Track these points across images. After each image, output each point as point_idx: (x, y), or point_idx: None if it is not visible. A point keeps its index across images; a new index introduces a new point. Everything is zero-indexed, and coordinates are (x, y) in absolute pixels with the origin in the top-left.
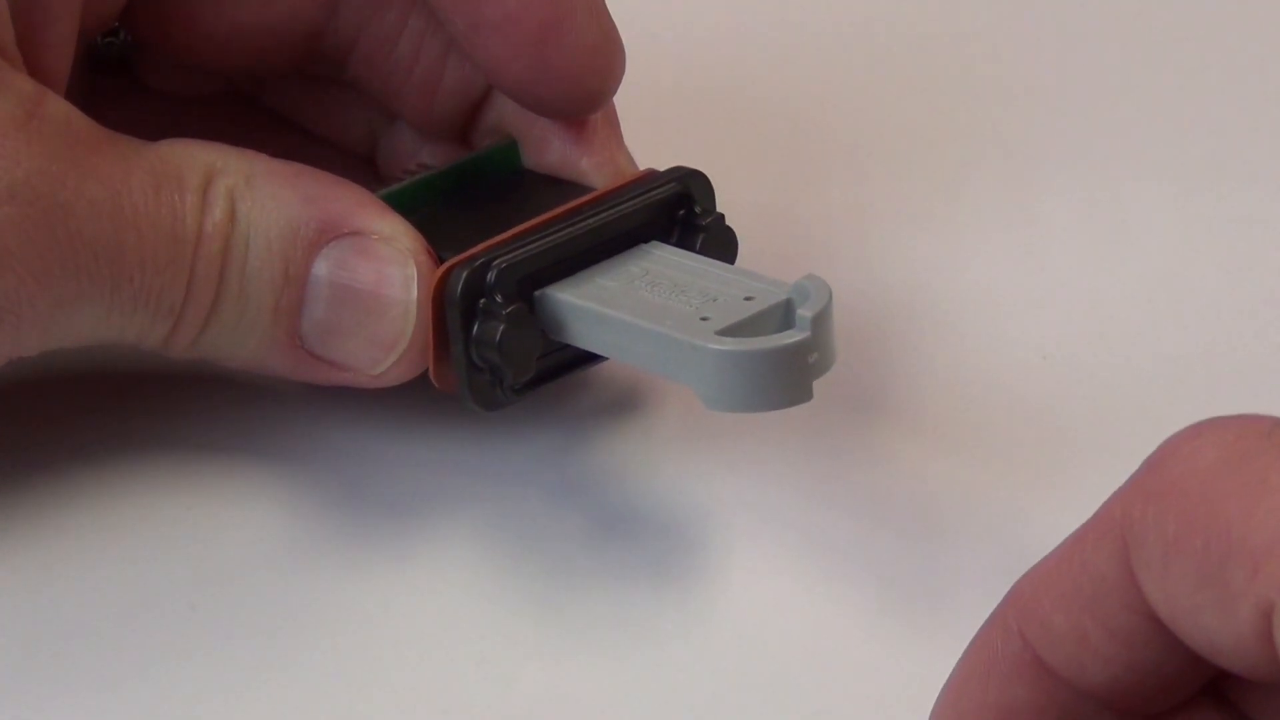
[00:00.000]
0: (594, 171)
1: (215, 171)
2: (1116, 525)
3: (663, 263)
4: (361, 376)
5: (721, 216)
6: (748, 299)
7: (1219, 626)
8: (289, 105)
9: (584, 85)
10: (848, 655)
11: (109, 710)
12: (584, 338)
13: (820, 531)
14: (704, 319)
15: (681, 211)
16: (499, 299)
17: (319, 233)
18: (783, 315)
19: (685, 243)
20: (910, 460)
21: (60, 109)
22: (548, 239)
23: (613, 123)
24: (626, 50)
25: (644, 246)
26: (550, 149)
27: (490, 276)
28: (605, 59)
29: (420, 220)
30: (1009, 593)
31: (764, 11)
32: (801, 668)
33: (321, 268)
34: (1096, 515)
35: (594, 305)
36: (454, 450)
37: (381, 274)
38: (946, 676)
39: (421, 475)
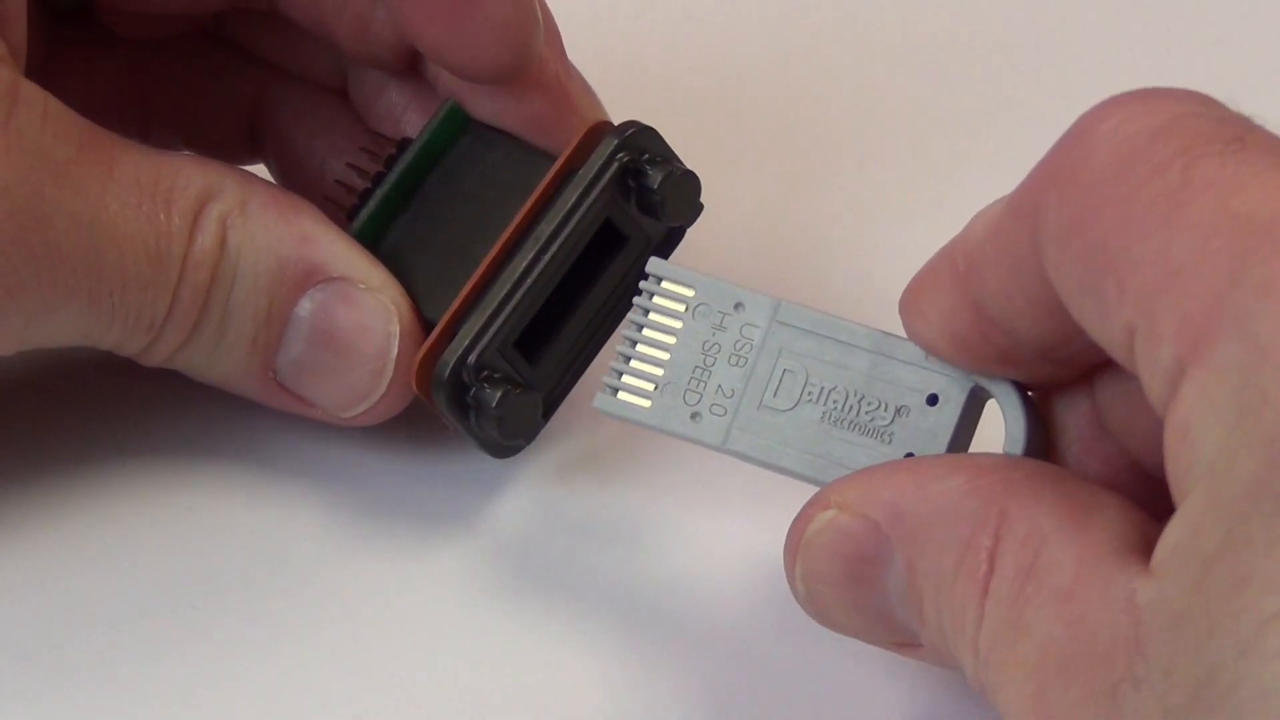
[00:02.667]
0: (530, 124)
1: (210, 195)
2: (1028, 202)
3: (798, 352)
4: (329, 416)
5: (672, 173)
6: (931, 402)
7: (1097, 326)
8: (256, 42)
9: (498, 57)
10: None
11: (109, 710)
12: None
13: None
14: (909, 456)
15: (632, 182)
16: (487, 389)
17: (306, 274)
18: (972, 413)
19: (645, 206)
20: None
21: (37, 105)
22: (519, 293)
23: (554, 57)
24: (625, 45)
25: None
26: (484, 102)
27: (471, 359)
28: (519, 32)
29: (390, 253)
30: (966, 228)
31: (760, 8)
32: (797, 668)
33: (305, 308)
34: (1023, 182)
35: (781, 465)
36: (453, 454)
37: (363, 325)
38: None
39: (421, 477)
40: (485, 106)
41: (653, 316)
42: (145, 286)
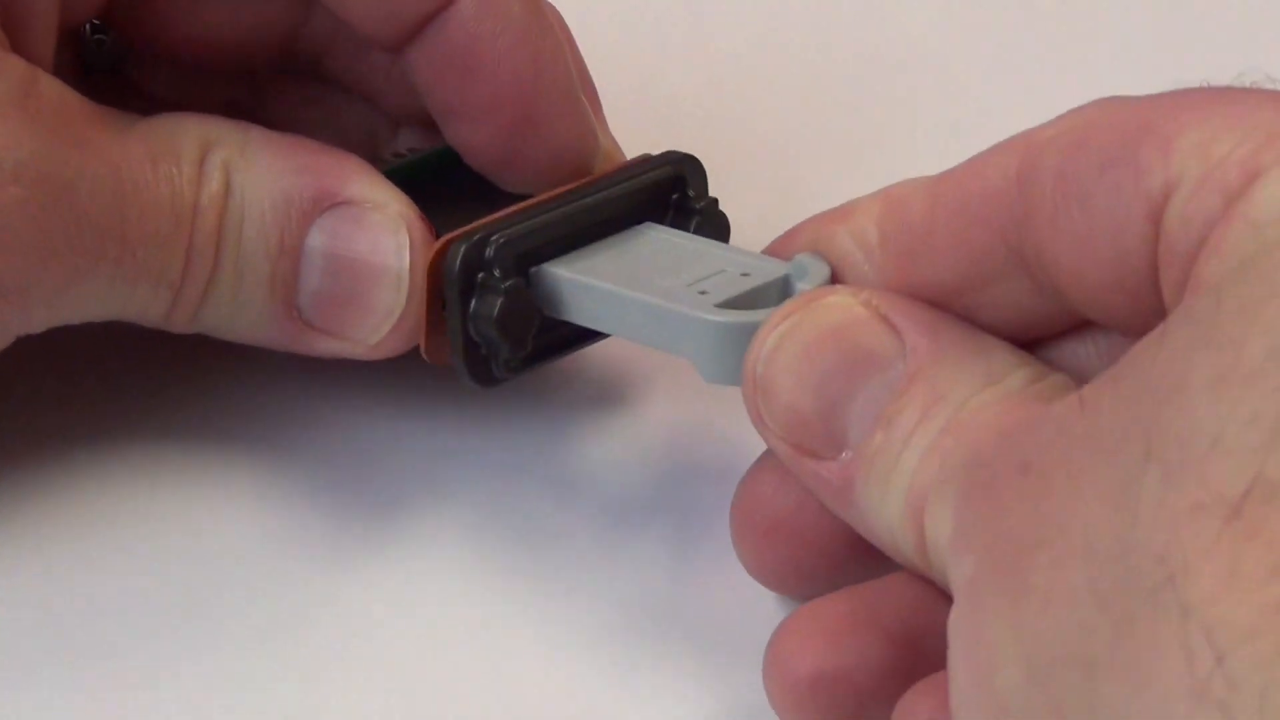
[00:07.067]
0: None
1: (211, 143)
2: (1020, 145)
3: (660, 242)
4: (359, 346)
5: (715, 201)
6: (744, 275)
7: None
8: (287, 116)
9: (554, 176)
10: None
11: (108, 706)
12: (580, 313)
13: None
14: (702, 293)
15: (675, 195)
16: (497, 274)
17: (313, 202)
18: (781, 290)
19: (679, 226)
20: None
21: (54, 86)
22: (545, 217)
23: (596, 105)
24: (623, 41)
25: (640, 227)
26: None
27: (489, 251)
28: (578, 156)
29: (418, 198)
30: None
31: (758, 9)
32: None
33: (316, 238)
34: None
35: (590, 280)
36: (448, 438)
37: (375, 242)
38: None
39: (414, 464)
40: None
41: None
42: (164, 242)
